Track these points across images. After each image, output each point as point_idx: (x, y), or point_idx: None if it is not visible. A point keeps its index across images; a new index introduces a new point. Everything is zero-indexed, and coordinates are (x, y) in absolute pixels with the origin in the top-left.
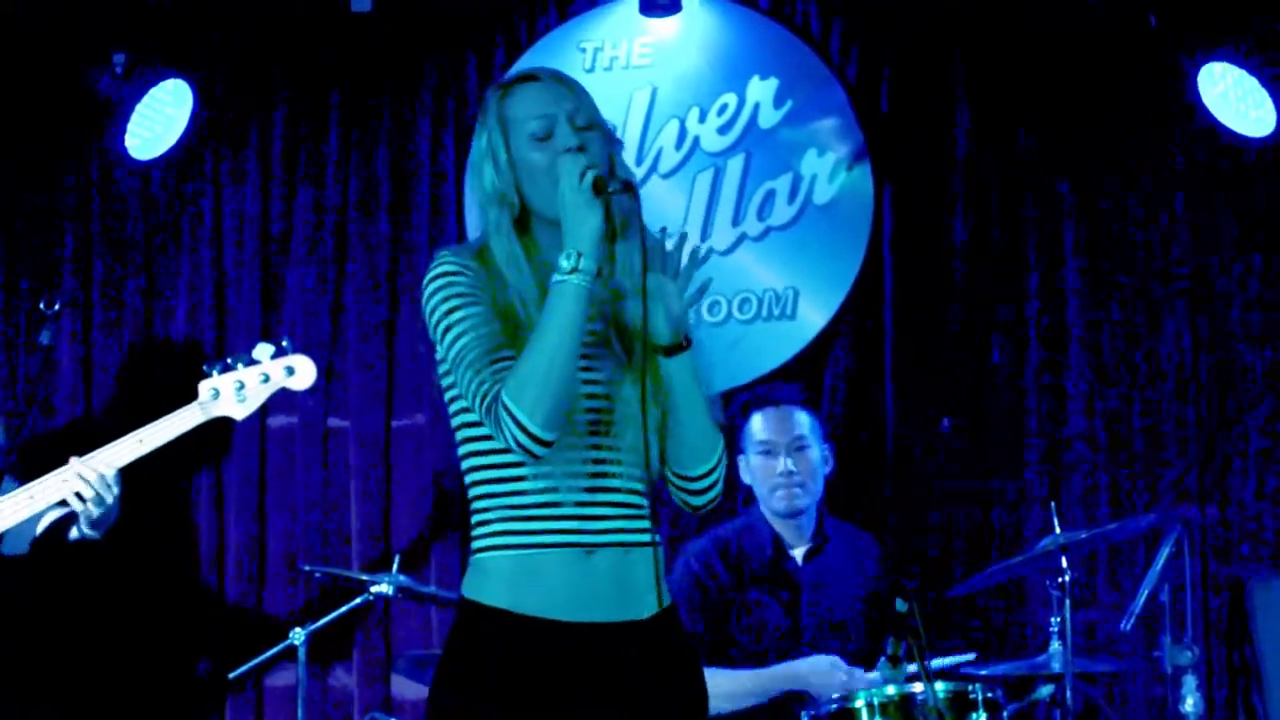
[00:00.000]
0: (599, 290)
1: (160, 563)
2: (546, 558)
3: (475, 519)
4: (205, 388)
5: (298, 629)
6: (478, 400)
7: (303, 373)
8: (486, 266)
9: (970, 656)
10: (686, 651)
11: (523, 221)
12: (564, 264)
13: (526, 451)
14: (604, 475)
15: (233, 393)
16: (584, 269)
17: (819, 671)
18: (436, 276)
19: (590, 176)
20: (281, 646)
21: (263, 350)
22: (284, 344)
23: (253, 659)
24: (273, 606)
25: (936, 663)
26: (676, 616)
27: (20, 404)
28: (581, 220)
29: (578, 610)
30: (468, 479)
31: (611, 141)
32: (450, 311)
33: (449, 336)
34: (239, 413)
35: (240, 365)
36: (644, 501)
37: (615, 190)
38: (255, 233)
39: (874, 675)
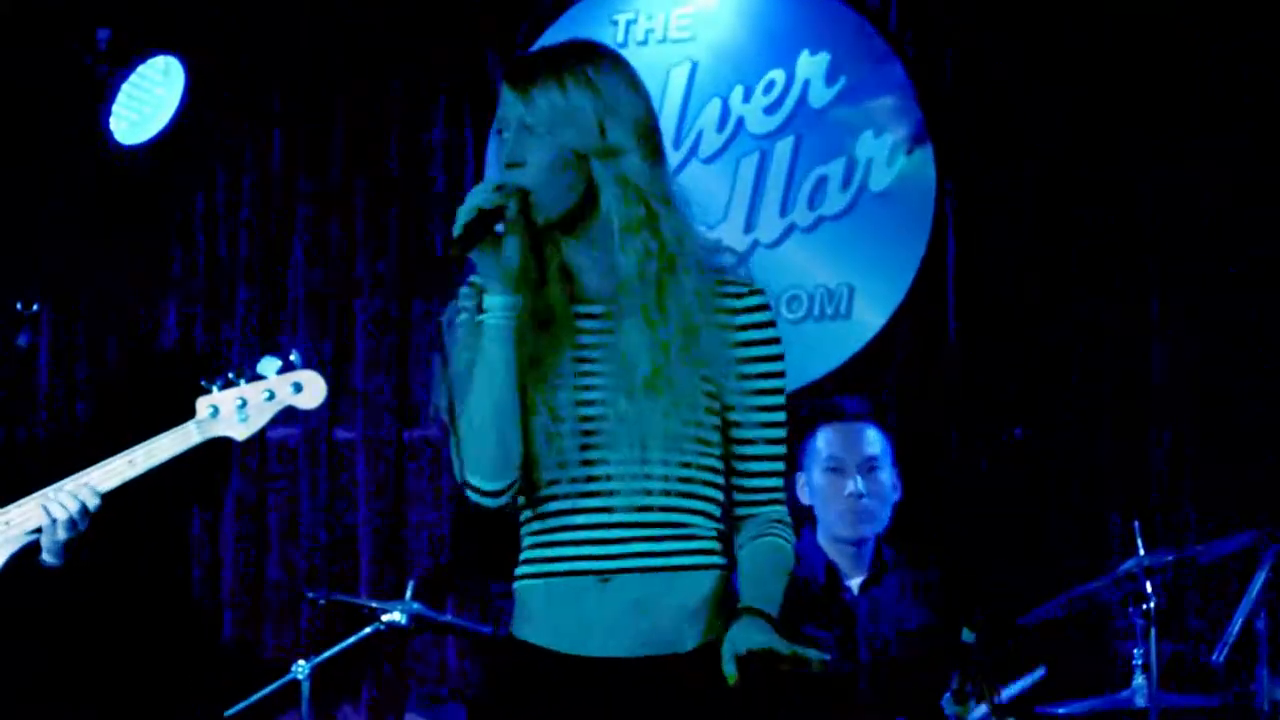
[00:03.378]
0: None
1: (149, 589)
2: (563, 586)
3: (521, 545)
4: (204, 405)
5: (301, 662)
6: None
7: (311, 390)
8: None
9: (1040, 673)
10: (726, 689)
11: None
12: (487, 301)
13: (477, 502)
14: (612, 494)
15: (234, 411)
16: (489, 307)
17: None
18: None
19: (456, 228)
20: (283, 682)
21: (268, 365)
22: (292, 358)
23: (251, 695)
24: (273, 637)
25: (1006, 691)
26: None
27: None
28: (481, 259)
29: (599, 644)
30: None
31: (592, 152)
32: (451, 341)
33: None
34: (240, 433)
35: (243, 381)
36: (684, 519)
37: (456, 252)
38: (254, 226)
39: None
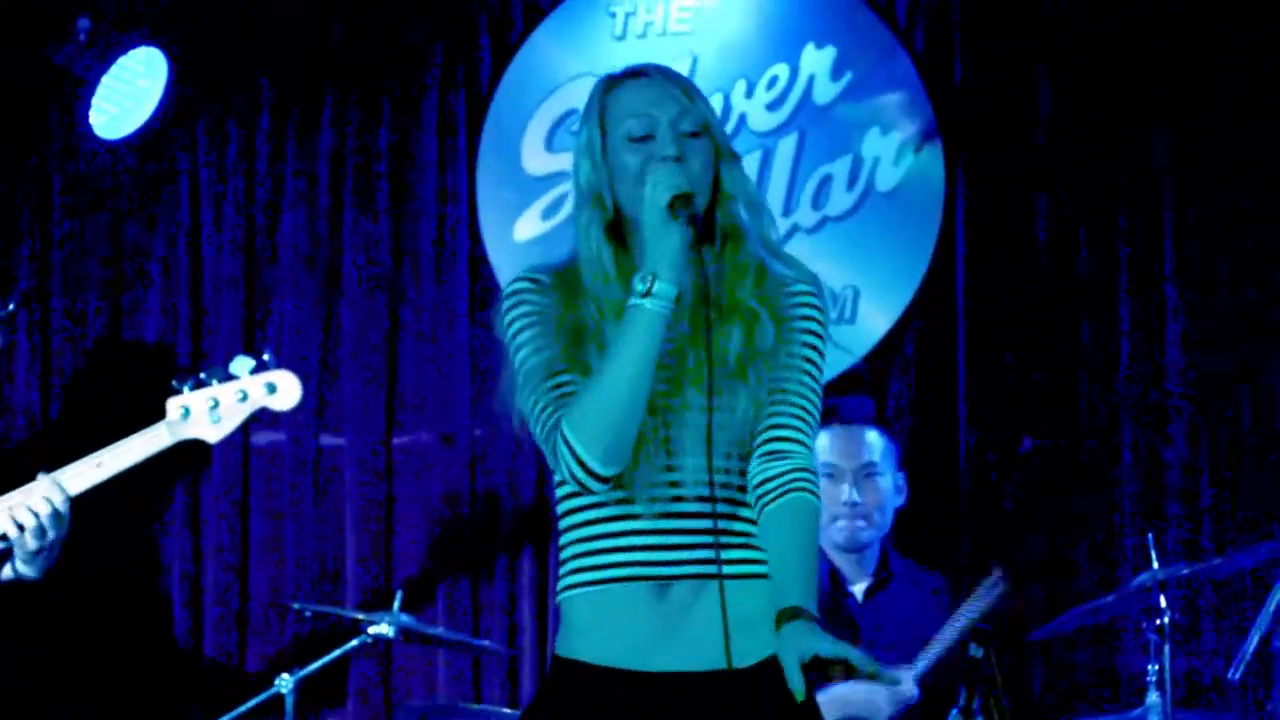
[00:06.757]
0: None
1: (126, 601)
2: (617, 595)
3: (560, 558)
4: (175, 405)
5: (285, 675)
6: (535, 425)
7: (285, 391)
8: (563, 281)
9: (996, 580)
10: (797, 708)
11: (616, 227)
12: (638, 286)
13: (582, 485)
14: (681, 499)
15: (206, 412)
16: (658, 293)
17: (860, 689)
18: (506, 295)
19: (668, 196)
20: (266, 695)
21: (241, 364)
22: (265, 358)
23: (233, 710)
24: (256, 650)
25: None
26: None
27: None
28: (659, 239)
29: (659, 658)
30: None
31: (721, 155)
32: (516, 334)
33: (516, 359)
34: (212, 435)
35: (215, 381)
36: (739, 527)
37: (685, 219)
38: (238, 224)
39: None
